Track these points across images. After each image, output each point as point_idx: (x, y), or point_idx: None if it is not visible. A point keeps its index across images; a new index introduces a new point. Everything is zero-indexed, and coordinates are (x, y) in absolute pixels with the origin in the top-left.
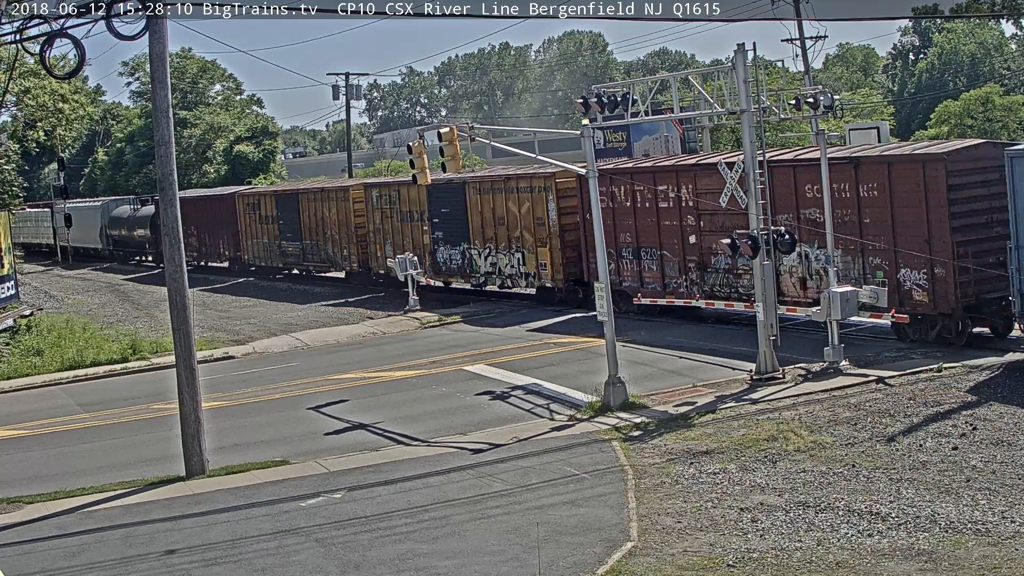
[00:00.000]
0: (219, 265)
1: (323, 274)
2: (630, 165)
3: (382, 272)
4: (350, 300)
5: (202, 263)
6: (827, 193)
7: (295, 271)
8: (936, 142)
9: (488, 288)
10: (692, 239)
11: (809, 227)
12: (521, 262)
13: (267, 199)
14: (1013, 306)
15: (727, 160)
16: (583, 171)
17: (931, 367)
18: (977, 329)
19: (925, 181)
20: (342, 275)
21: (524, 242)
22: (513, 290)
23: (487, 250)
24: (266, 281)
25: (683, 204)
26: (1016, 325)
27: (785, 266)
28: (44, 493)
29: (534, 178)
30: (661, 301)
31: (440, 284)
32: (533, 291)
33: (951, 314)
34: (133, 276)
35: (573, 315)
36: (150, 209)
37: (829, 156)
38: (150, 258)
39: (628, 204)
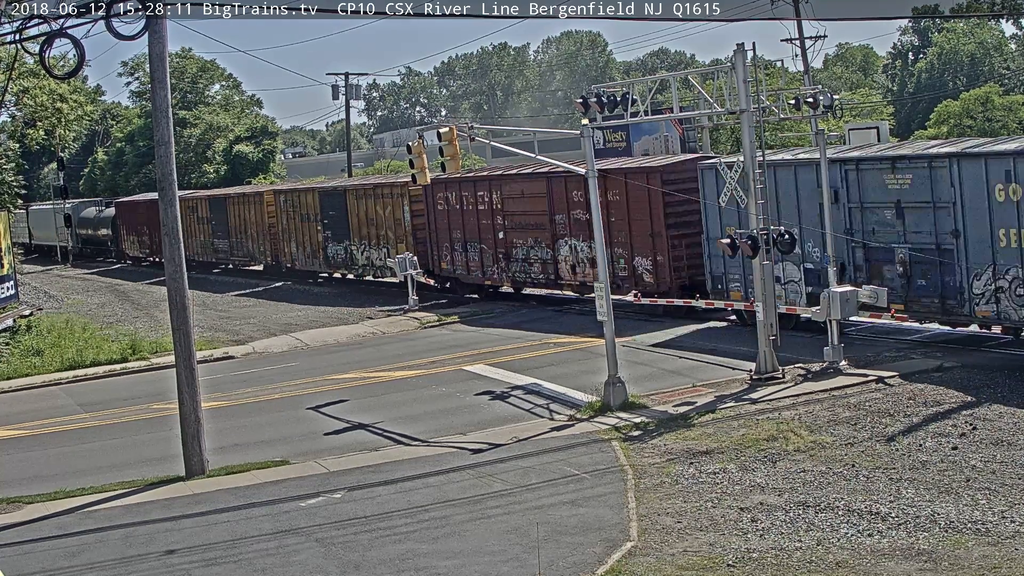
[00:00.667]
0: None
1: (245, 267)
2: (458, 176)
3: (288, 265)
4: (349, 300)
5: (153, 259)
6: (827, 195)
7: (227, 265)
8: (660, 157)
9: (366, 278)
10: (500, 235)
11: (576, 225)
12: (388, 256)
13: (203, 202)
14: (707, 284)
15: (727, 161)
16: (583, 171)
17: (931, 367)
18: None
19: (648, 188)
20: (260, 268)
21: (388, 239)
22: (384, 279)
23: (363, 246)
24: (202, 275)
25: (494, 207)
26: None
27: (562, 255)
28: (44, 493)
29: (393, 186)
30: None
31: (338, 276)
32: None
33: (668, 291)
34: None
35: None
36: (112, 211)
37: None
38: (112, 255)
39: (458, 207)
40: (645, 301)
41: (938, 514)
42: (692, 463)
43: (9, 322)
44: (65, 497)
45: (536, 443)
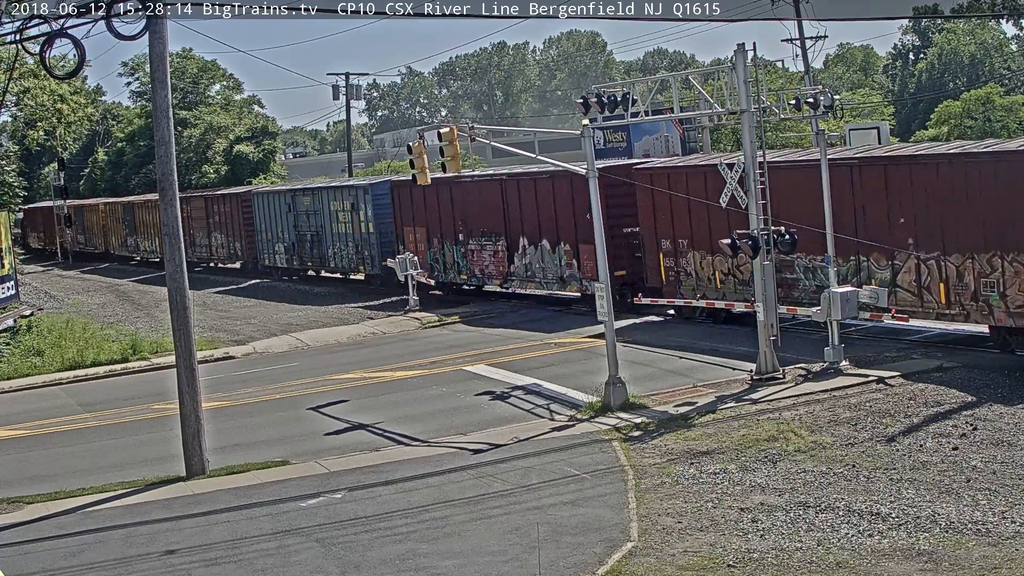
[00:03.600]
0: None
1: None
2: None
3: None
4: (350, 300)
5: (45, 248)
6: (827, 198)
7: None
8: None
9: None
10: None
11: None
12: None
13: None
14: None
15: (727, 161)
16: (583, 171)
17: (931, 367)
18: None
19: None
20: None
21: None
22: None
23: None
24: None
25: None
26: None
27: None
28: (44, 493)
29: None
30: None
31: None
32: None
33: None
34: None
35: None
36: (21, 215)
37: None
38: (20, 245)
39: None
40: (646, 301)
41: (938, 514)
42: (692, 463)
43: (9, 322)
44: (65, 497)
45: (536, 443)
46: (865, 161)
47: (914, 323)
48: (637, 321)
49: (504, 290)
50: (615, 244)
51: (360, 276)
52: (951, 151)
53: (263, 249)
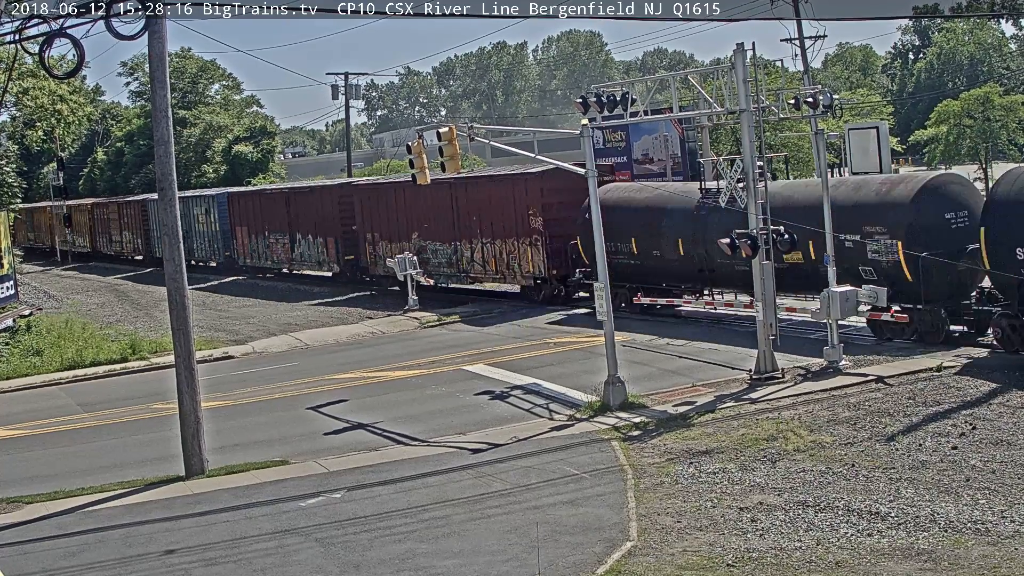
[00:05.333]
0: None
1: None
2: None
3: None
4: (350, 298)
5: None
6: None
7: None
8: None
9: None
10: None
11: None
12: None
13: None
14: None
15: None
16: (582, 171)
17: (931, 367)
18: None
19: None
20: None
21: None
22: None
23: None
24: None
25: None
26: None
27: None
28: (44, 493)
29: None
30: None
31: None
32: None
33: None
34: (131, 275)
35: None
36: None
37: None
38: None
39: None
40: (645, 301)
41: (938, 514)
42: (692, 463)
43: (9, 322)
44: (65, 497)
45: (536, 443)
46: (459, 181)
47: (495, 285)
48: (569, 313)
49: (290, 272)
50: (346, 237)
51: (213, 264)
52: (487, 175)
53: (155, 244)
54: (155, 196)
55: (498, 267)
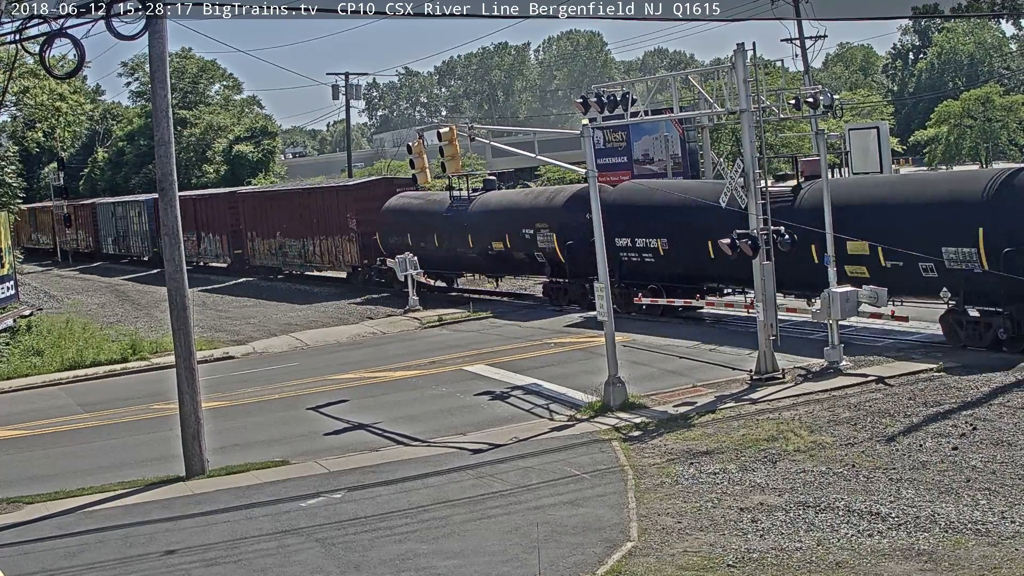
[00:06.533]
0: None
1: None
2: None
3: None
4: (352, 300)
5: None
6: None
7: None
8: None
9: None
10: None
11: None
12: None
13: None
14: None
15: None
16: (583, 171)
17: (931, 367)
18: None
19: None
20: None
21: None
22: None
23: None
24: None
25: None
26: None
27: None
28: (44, 493)
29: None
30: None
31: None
32: None
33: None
34: (133, 276)
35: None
36: None
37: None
38: None
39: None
40: (646, 301)
41: (938, 514)
42: (692, 463)
43: (9, 322)
44: (65, 497)
45: (536, 443)
46: (304, 191)
47: (328, 272)
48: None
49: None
50: (235, 235)
51: (146, 258)
52: (321, 186)
53: (103, 242)
54: (105, 200)
55: (329, 258)
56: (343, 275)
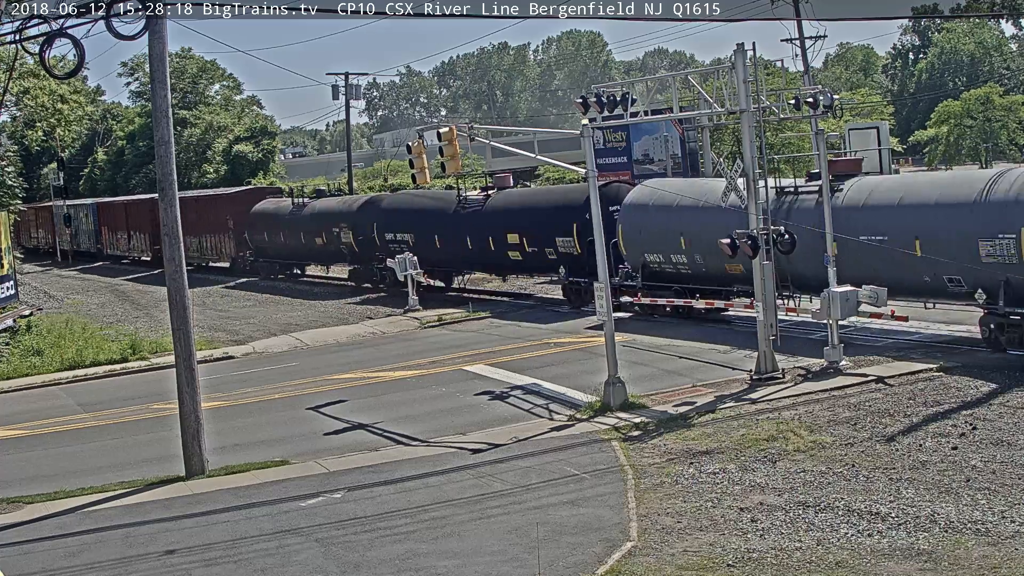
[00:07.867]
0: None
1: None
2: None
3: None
4: (351, 300)
5: None
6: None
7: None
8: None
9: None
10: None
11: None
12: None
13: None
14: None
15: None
16: (583, 171)
17: (931, 367)
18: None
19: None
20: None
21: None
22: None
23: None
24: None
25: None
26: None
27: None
28: (44, 493)
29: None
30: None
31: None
32: None
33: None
34: (132, 276)
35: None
36: None
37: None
38: None
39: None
40: (646, 301)
41: (938, 514)
42: (692, 463)
43: (9, 322)
44: (65, 497)
45: (536, 443)
46: (202, 197)
47: (217, 263)
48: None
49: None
50: (155, 234)
51: (93, 251)
52: (210, 193)
53: (66, 240)
54: (72, 201)
55: (217, 252)
56: (343, 275)
